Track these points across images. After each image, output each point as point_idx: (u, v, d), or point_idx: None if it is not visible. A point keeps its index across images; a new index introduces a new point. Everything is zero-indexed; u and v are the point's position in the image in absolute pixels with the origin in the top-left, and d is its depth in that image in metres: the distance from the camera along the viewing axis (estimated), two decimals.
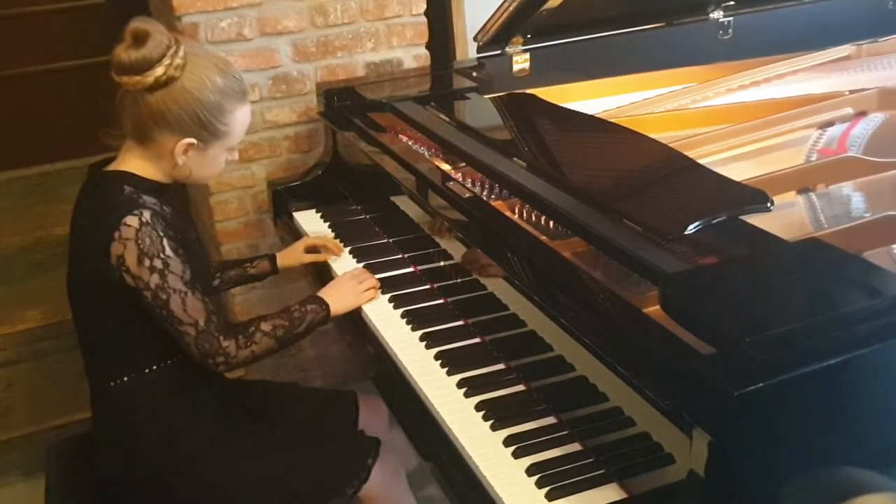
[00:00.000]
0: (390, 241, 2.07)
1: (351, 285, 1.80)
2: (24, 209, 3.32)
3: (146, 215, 1.51)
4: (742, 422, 1.04)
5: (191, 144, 1.57)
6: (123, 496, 1.67)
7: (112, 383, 1.63)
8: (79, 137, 3.68)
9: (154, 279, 1.51)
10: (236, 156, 1.71)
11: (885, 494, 0.99)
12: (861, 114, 2.05)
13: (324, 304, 1.74)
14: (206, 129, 1.56)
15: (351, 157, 2.28)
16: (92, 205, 1.61)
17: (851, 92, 2.11)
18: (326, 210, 2.27)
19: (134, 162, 1.61)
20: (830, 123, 2.01)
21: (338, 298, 1.77)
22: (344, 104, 2.29)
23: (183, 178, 1.65)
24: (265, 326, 1.64)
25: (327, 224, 2.20)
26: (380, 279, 1.89)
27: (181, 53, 1.52)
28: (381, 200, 2.10)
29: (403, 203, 1.99)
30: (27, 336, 2.76)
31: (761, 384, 1.03)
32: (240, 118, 1.61)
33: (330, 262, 2.01)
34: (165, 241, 1.52)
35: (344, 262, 1.99)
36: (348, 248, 2.06)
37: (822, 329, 1.11)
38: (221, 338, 1.57)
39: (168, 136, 1.56)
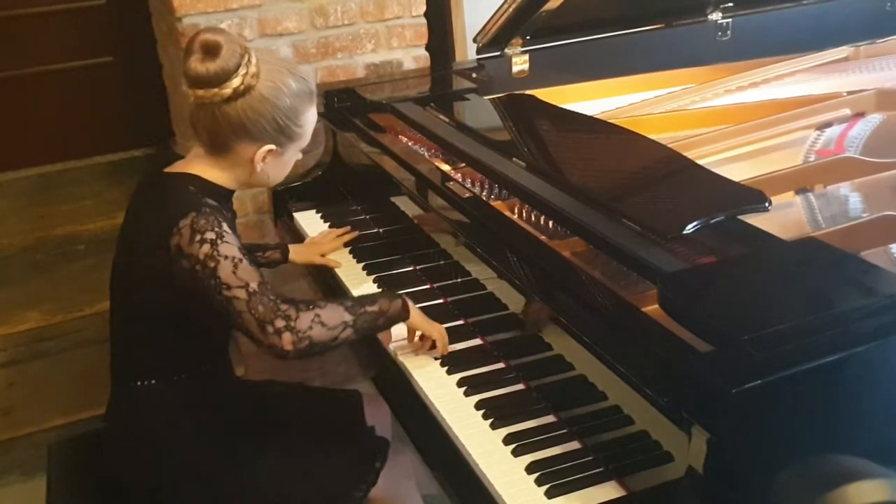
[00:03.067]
0: (390, 241, 2.08)
1: (434, 326, 1.63)
2: (25, 209, 3.33)
3: (206, 210, 1.49)
4: (740, 419, 1.05)
5: (270, 151, 1.56)
6: (126, 497, 1.67)
7: (138, 383, 1.62)
8: (79, 138, 3.70)
9: (205, 249, 1.46)
10: (300, 155, 1.68)
11: (876, 481, 1.00)
12: (859, 115, 2.06)
13: (406, 305, 1.61)
14: (283, 133, 1.55)
15: (351, 157, 2.29)
16: (153, 201, 1.59)
17: (849, 93, 2.11)
18: (326, 210, 2.28)
19: (202, 167, 1.59)
20: (828, 124, 2.02)
21: (423, 316, 1.63)
22: (344, 105, 2.29)
23: (258, 184, 1.64)
24: (335, 302, 1.54)
25: (328, 224, 2.21)
26: (380, 278, 1.91)
27: (254, 61, 1.50)
28: (381, 201, 2.10)
29: (403, 203, 2.00)
30: (28, 336, 2.77)
31: (759, 381, 1.04)
32: (311, 119, 1.61)
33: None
34: (223, 224, 1.49)
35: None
36: (348, 249, 2.07)
37: (819, 327, 1.12)
38: (278, 300, 1.46)
39: (247, 144, 1.54)
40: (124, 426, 1.68)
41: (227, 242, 1.47)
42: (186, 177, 1.58)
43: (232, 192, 1.64)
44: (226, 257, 1.46)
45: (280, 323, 1.45)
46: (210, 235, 1.47)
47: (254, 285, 1.46)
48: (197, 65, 1.48)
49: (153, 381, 1.61)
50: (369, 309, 1.56)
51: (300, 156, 1.68)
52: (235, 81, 1.48)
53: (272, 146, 1.56)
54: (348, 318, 1.52)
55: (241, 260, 1.47)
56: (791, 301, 1.22)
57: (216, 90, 1.48)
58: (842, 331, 1.12)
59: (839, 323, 1.14)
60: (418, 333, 1.64)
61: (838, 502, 0.98)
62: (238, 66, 1.48)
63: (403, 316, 1.61)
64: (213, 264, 1.46)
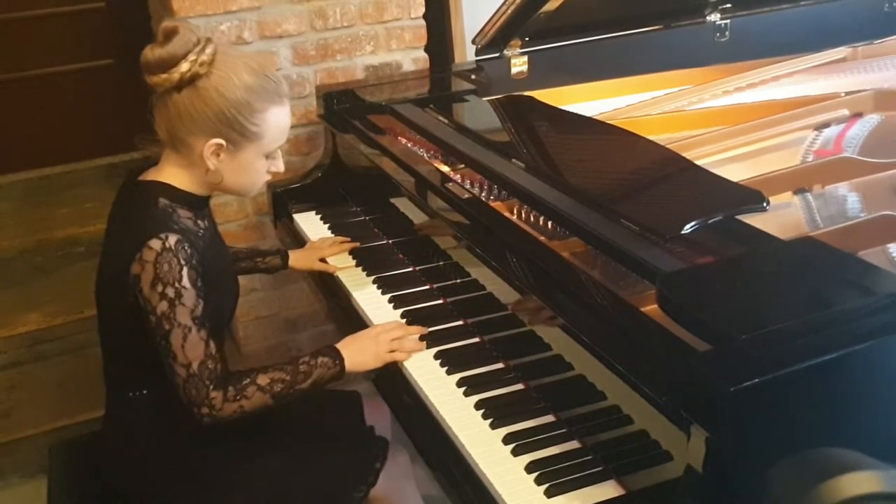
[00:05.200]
0: (389, 241, 2.08)
1: (376, 342, 1.65)
2: (25, 212, 3.34)
3: (171, 241, 1.46)
4: (738, 418, 1.05)
5: (220, 146, 1.51)
6: (125, 499, 1.67)
7: (131, 394, 1.61)
8: (79, 141, 3.71)
9: (162, 306, 1.46)
10: (281, 166, 1.62)
11: (868, 472, 1.00)
12: (857, 115, 2.06)
13: (338, 359, 1.60)
14: (233, 128, 1.50)
15: (350, 159, 2.30)
16: (125, 215, 1.58)
17: (847, 94, 2.12)
18: (326, 212, 2.28)
19: (171, 171, 1.56)
20: (826, 125, 2.02)
21: (356, 353, 1.63)
22: (343, 107, 2.30)
23: (217, 186, 1.58)
24: (262, 380, 1.54)
25: (327, 226, 2.21)
26: (380, 279, 1.92)
27: (208, 51, 1.47)
28: (380, 202, 2.11)
29: (403, 204, 2.00)
30: (28, 338, 2.78)
31: (757, 380, 1.04)
32: (273, 120, 1.54)
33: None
34: (185, 271, 1.46)
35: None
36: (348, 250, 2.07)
37: (817, 326, 1.12)
38: (211, 387, 1.49)
39: (197, 137, 1.51)
40: (120, 436, 1.67)
41: (183, 305, 1.47)
42: (157, 186, 1.55)
43: (205, 198, 1.61)
44: (179, 325, 1.47)
45: (205, 410, 1.50)
46: (170, 292, 1.46)
47: (195, 366, 1.48)
48: (148, 51, 1.49)
49: (145, 392, 1.61)
50: (299, 388, 1.57)
51: (280, 166, 1.62)
52: (183, 67, 1.46)
53: (220, 140, 1.51)
54: (270, 402, 1.55)
55: (190, 329, 1.47)
56: (789, 300, 1.22)
57: (165, 76, 1.47)
58: (839, 330, 1.12)
59: (837, 322, 1.14)
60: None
61: (831, 493, 0.98)
62: (187, 53, 1.46)
63: (339, 377, 1.62)
64: (167, 326, 1.47)
